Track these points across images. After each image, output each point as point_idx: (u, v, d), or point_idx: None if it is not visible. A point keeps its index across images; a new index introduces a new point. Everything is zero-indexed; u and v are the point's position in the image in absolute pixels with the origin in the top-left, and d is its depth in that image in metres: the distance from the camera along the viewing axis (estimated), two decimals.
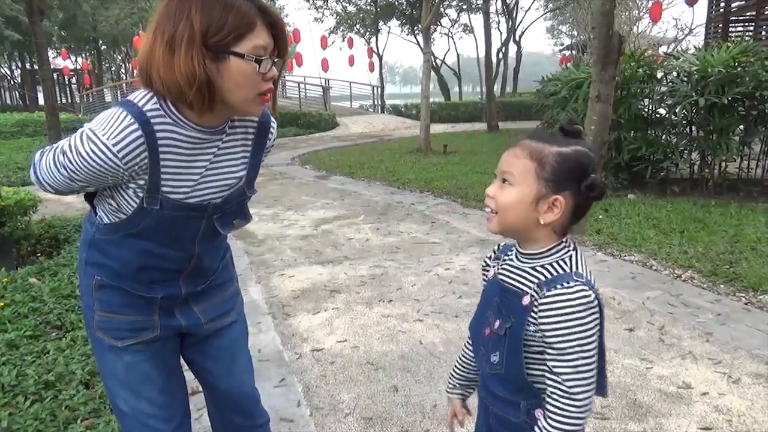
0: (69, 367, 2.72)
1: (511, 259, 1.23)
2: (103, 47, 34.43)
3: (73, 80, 32.55)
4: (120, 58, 38.27)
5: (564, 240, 1.16)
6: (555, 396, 1.10)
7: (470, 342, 1.41)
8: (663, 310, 3.63)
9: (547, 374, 1.12)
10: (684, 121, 7.24)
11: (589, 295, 1.07)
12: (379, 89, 28.51)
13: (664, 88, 7.50)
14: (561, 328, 1.07)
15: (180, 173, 1.27)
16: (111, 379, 1.43)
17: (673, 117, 7.38)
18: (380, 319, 3.60)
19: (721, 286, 4.06)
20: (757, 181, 7.18)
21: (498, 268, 1.25)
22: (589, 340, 1.07)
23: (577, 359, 1.07)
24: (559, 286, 1.08)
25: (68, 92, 32.07)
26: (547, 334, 1.09)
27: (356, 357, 3.10)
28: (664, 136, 7.44)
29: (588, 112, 6.96)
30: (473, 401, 1.46)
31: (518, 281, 1.18)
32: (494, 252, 1.33)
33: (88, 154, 1.15)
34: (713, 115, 6.75)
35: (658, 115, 7.71)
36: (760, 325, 3.38)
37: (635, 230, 5.44)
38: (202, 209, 1.34)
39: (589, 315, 1.07)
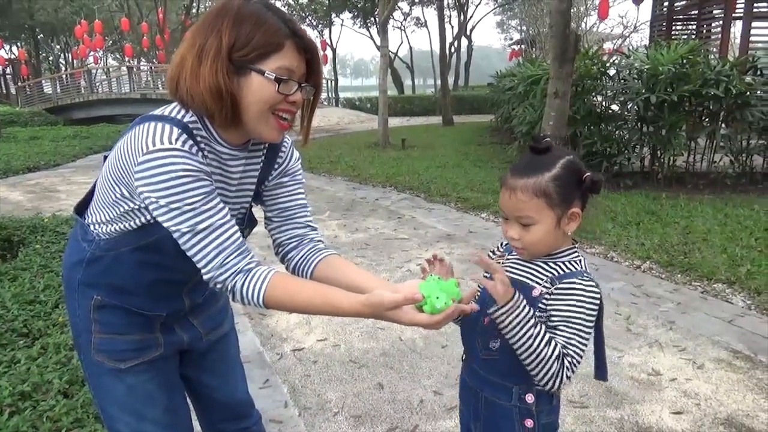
0: (44, 376, 2.63)
1: (518, 256, 1.31)
2: (41, 36, 32.84)
3: (8, 71, 30.92)
4: (59, 47, 36.61)
5: (575, 244, 1.28)
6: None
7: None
8: (627, 301, 3.81)
9: None
10: (636, 117, 7.54)
11: (599, 292, 1.21)
12: (333, 82, 28.36)
13: (617, 85, 7.79)
14: (570, 311, 1.18)
15: (218, 189, 1.24)
16: (110, 405, 1.37)
17: (625, 113, 7.68)
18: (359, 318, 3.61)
19: (678, 275, 4.28)
20: (702, 174, 7.56)
21: (504, 263, 1.33)
22: (589, 328, 1.20)
23: (573, 339, 1.18)
24: (573, 279, 1.21)
25: (3, 84, 30.46)
26: (555, 316, 1.19)
27: (338, 355, 3.12)
28: (617, 132, 7.74)
29: (546, 108, 7.19)
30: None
31: (528, 275, 1.27)
32: (498, 248, 1.41)
33: (167, 171, 1.08)
34: (663, 111, 7.06)
35: (611, 111, 8.01)
36: (717, 313, 3.60)
37: (594, 223, 5.65)
38: None
39: (594, 307, 1.20)
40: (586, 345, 1.20)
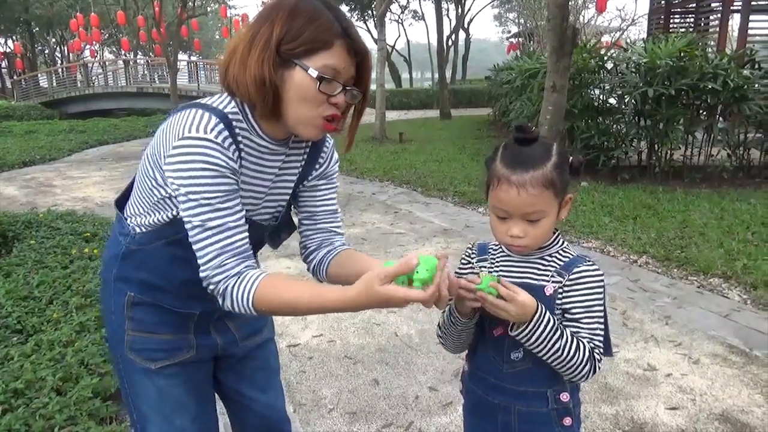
0: (38, 373, 2.61)
1: (506, 255, 1.25)
2: (36, 29, 32.63)
3: (4, 64, 30.78)
4: (54, 41, 36.40)
5: (558, 232, 1.25)
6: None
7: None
8: (624, 295, 3.80)
9: None
10: (633, 111, 7.52)
11: (602, 273, 1.20)
12: None
13: (615, 79, 7.77)
14: (587, 301, 1.17)
15: (253, 183, 1.24)
16: (144, 402, 1.34)
17: (623, 107, 7.66)
18: (354, 312, 3.61)
19: (675, 270, 4.28)
20: (699, 167, 7.55)
21: (493, 269, 1.26)
22: (602, 309, 1.19)
23: (596, 327, 1.18)
24: (581, 265, 1.18)
25: None
26: (576, 308, 1.17)
27: (334, 351, 3.12)
28: (614, 126, 7.72)
29: (543, 102, 7.16)
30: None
31: (529, 274, 1.22)
32: (473, 253, 1.32)
33: (193, 160, 1.07)
34: (660, 105, 7.04)
35: (608, 105, 7.99)
36: (713, 307, 3.59)
37: (591, 217, 5.65)
38: (261, 229, 1.31)
39: (603, 289, 1.19)
40: (604, 327, 1.20)
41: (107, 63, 29.70)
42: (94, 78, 27.10)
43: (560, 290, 1.18)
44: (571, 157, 1.19)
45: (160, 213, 1.20)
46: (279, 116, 1.16)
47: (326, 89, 1.12)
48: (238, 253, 1.14)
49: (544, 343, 1.13)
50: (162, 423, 1.34)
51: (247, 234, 1.17)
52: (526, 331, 1.12)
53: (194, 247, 1.12)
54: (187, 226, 1.12)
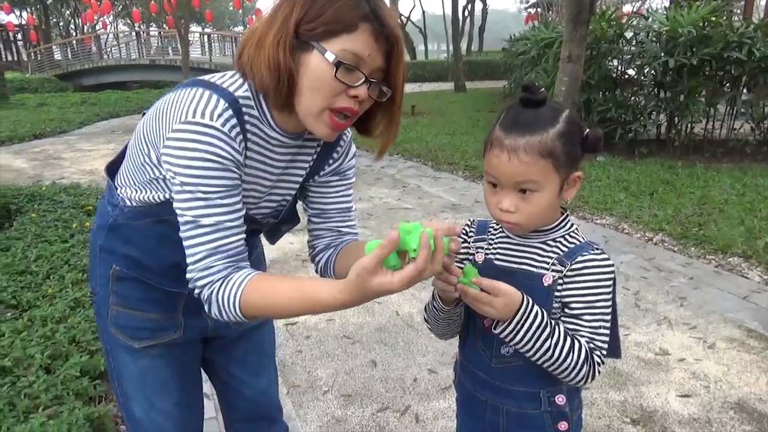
0: (27, 350, 2.55)
1: (507, 237, 1.11)
2: (50, 1, 32.52)
3: (19, 36, 30.74)
4: (68, 12, 36.26)
5: (567, 214, 1.10)
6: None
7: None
8: (637, 275, 3.65)
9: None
10: (653, 83, 7.24)
11: (612, 264, 1.05)
12: None
13: (633, 49, 7.47)
14: (589, 295, 1.03)
15: (257, 176, 1.11)
16: (127, 381, 1.25)
17: (642, 78, 7.37)
18: None
19: (692, 248, 4.11)
20: (721, 141, 7.27)
21: (490, 250, 1.13)
22: (609, 307, 1.05)
23: (599, 326, 1.04)
24: (586, 254, 1.04)
25: (14, 50, 30.30)
26: (575, 303, 1.03)
27: (332, 330, 3.02)
28: (632, 98, 7.45)
29: (559, 73, 6.91)
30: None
31: (528, 260, 1.08)
32: (471, 231, 1.18)
33: (195, 149, 0.95)
34: (682, 76, 6.75)
35: (626, 76, 7.70)
36: (732, 288, 3.43)
37: (606, 193, 5.46)
38: (259, 225, 1.20)
39: (612, 283, 1.05)
40: (609, 326, 1.06)
41: (120, 35, 29.54)
42: (108, 50, 27.00)
43: (560, 280, 1.04)
44: (587, 130, 1.03)
45: (151, 192, 1.08)
46: (293, 107, 1.02)
47: (344, 77, 0.97)
48: (231, 256, 1.01)
49: (531, 342, 0.99)
50: (144, 403, 1.26)
51: (244, 235, 1.04)
52: (510, 327, 0.99)
53: (184, 243, 1.00)
54: (179, 219, 1.00)
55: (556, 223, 1.08)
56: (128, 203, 1.12)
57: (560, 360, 1.00)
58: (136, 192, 1.11)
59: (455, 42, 18.22)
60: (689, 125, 7.17)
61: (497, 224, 1.13)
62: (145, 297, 1.19)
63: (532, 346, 1.00)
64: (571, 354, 1.00)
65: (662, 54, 6.76)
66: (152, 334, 1.21)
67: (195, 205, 0.97)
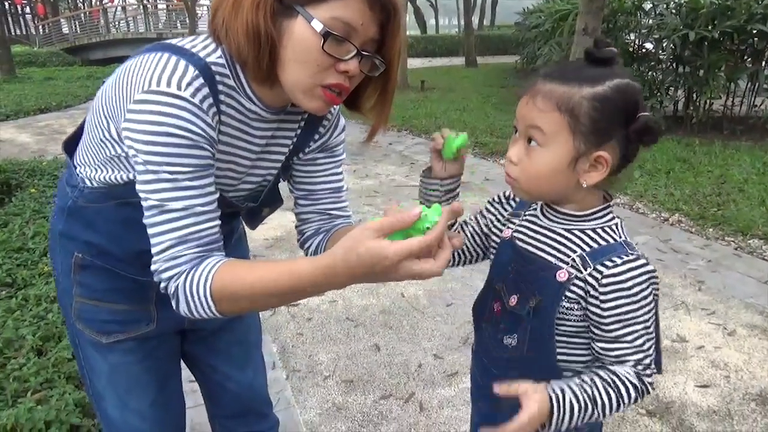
0: (19, 331, 2.47)
1: (535, 217, 1.00)
2: None
3: (27, 9, 30.53)
4: None
5: (609, 203, 0.96)
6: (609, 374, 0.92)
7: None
8: (653, 257, 3.50)
9: (596, 355, 0.95)
10: (671, 57, 6.98)
11: (653, 270, 0.90)
12: None
13: (651, 21, 7.20)
14: (630, 311, 0.89)
15: (233, 155, 0.98)
16: (98, 379, 1.14)
17: (660, 52, 7.12)
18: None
19: (710, 230, 3.95)
20: (741, 119, 7.03)
21: (515, 228, 1.03)
22: (652, 319, 0.91)
23: (643, 342, 0.90)
24: (617, 260, 0.89)
25: (22, 23, 30.14)
26: (610, 319, 0.90)
27: (335, 313, 2.91)
28: (649, 72, 7.21)
29: (574, 46, 6.68)
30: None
31: (547, 249, 0.96)
32: (509, 203, 1.09)
33: (160, 123, 0.81)
34: (702, 50, 6.50)
35: (644, 50, 7.44)
36: (752, 272, 3.28)
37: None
38: (237, 209, 1.08)
39: (653, 293, 0.90)
40: (654, 337, 0.92)
41: (128, 8, 29.21)
42: (115, 23, 26.73)
43: (578, 282, 0.91)
44: (641, 115, 0.86)
45: (113, 171, 0.95)
46: (275, 80, 0.89)
47: (333, 50, 0.85)
48: (202, 244, 0.88)
49: (579, 421, 0.89)
50: (117, 403, 1.15)
51: (218, 221, 0.92)
52: (551, 429, 0.88)
53: (148, 230, 0.87)
54: (143, 203, 0.87)
55: (591, 211, 0.94)
56: (88, 184, 0.99)
57: (611, 412, 0.90)
58: (97, 171, 0.97)
59: (467, 16, 17.79)
60: (708, 101, 6.92)
61: (536, 206, 1.02)
62: (111, 287, 1.07)
63: (583, 422, 0.89)
64: (620, 403, 0.89)
65: (682, 27, 6.50)
66: (121, 327, 1.09)
67: (160, 188, 0.84)
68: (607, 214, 0.95)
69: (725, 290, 3.07)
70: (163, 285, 0.89)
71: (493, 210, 1.11)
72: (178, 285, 0.87)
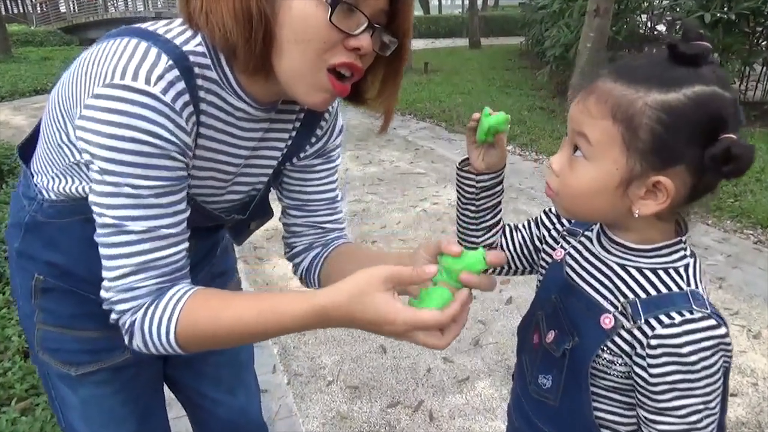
0: (5, 331, 2.34)
1: (590, 242, 0.83)
2: None
3: None
4: None
5: (681, 237, 0.76)
6: None
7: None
8: None
9: (641, 423, 0.78)
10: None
11: (724, 335, 0.70)
12: None
13: (665, 2, 6.97)
14: (680, 380, 0.71)
15: (217, 161, 0.83)
16: (69, 412, 0.99)
17: (673, 34, 6.91)
18: None
19: (728, 222, 3.80)
20: (755, 104, 6.83)
21: (568, 251, 0.86)
22: (716, 393, 0.72)
23: (700, 418, 0.72)
24: (676, 317, 0.71)
25: (19, 1, 29.66)
26: (655, 386, 0.73)
27: None
28: None
29: (584, 28, 6.48)
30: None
31: (596, 285, 0.79)
32: (565, 220, 0.91)
33: (121, 125, 0.67)
34: (716, 32, 6.28)
35: (656, 33, 7.23)
36: None
37: None
38: (221, 221, 0.93)
39: (720, 361, 0.71)
40: (714, 420, 0.74)
41: None
42: (113, 2, 26.33)
43: (624, 332, 0.74)
44: (724, 137, 0.66)
45: (74, 182, 0.80)
46: (269, 69, 0.74)
47: (342, 23, 0.71)
48: (167, 273, 0.75)
49: None
50: None
51: (186, 244, 0.77)
52: None
53: (101, 251, 0.73)
54: (96, 218, 0.72)
55: (654, 246, 0.75)
56: (47, 196, 0.84)
57: None
58: (56, 181, 0.82)
59: None
60: None
61: (592, 230, 0.85)
62: (79, 312, 0.92)
63: None
64: None
65: (697, 8, 6.29)
66: (92, 357, 0.94)
67: (119, 203, 0.70)
68: (676, 251, 0.76)
69: (747, 288, 2.93)
70: (114, 317, 0.75)
71: (547, 222, 0.94)
72: (135, 320, 0.74)
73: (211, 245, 1.07)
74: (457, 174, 0.95)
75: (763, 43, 6.78)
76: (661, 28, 7.22)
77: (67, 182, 0.81)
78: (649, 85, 0.68)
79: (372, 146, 5.96)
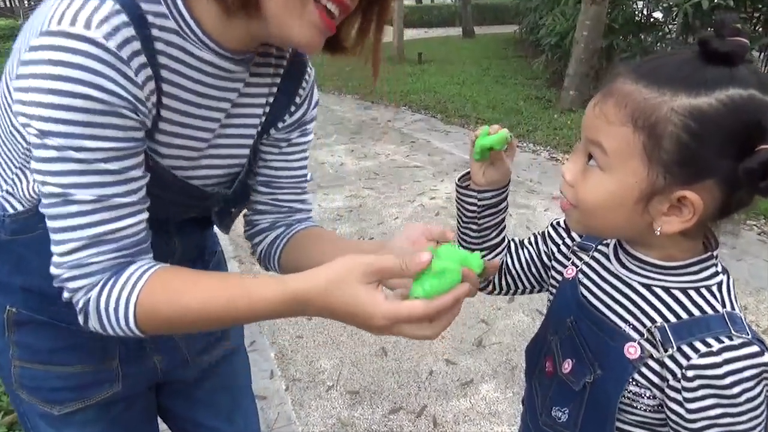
0: None
1: (606, 258, 0.75)
2: None
3: None
4: None
5: (712, 252, 0.68)
6: None
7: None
8: None
9: None
10: (681, 26, 6.69)
11: (767, 363, 0.62)
12: None
13: None
14: (721, 415, 0.63)
15: (186, 123, 0.74)
16: None
17: (670, 21, 6.83)
18: None
19: None
20: None
21: (580, 268, 0.78)
22: (761, 428, 0.65)
23: None
24: (713, 343, 0.63)
25: None
26: (693, 423, 0.65)
27: None
28: (658, 43, 6.92)
29: (580, 15, 6.39)
30: None
31: (617, 308, 0.71)
32: (571, 231, 0.84)
33: (59, 77, 0.58)
34: (714, 18, 6.20)
35: (653, 20, 7.14)
36: None
37: None
38: (204, 198, 0.82)
39: (764, 392, 0.64)
40: None
41: None
42: None
43: (652, 363, 0.66)
44: (762, 148, 0.57)
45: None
46: (250, 6, 0.66)
47: None
48: (124, 247, 0.67)
49: None
50: None
51: (145, 214, 0.69)
52: None
53: (48, 223, 0.65)
54: (40, 188, 0.64)
55: (682, 263, 0.67)
56: (9, 210, 0.75)
57: None
58: (18, 184, 0.73)
59: None
60: None
61: (606, 245, 0.77)
62: (59, 346, 0.83)
63: None
64: None
65: None
66: (77, 394, 0.85)
67: (63, 169, 0.62)
68: (707, 267, 0.67)
69: (753, 281, 2.87)
70: (66, 295, 0.67)
71: (556, 237, 0.86)
72: (90, 299, 0.66)
73: (198, 250, 0.97)
74: (457, 191, 0.87)
75: (760, 30, 6.70)
76: (658, 15, 7.13)
77: (26, 180, 0.71)
78: (676, 88, 0.59)
79: (367, 140, 5.87)
